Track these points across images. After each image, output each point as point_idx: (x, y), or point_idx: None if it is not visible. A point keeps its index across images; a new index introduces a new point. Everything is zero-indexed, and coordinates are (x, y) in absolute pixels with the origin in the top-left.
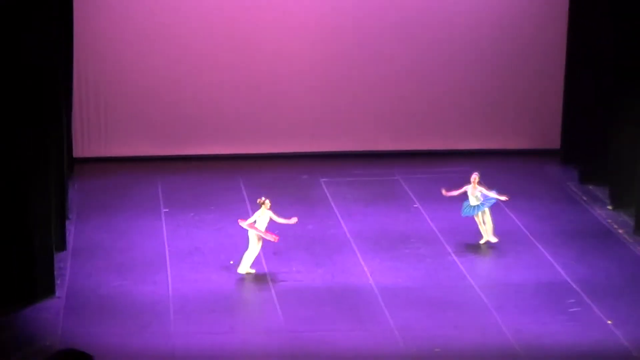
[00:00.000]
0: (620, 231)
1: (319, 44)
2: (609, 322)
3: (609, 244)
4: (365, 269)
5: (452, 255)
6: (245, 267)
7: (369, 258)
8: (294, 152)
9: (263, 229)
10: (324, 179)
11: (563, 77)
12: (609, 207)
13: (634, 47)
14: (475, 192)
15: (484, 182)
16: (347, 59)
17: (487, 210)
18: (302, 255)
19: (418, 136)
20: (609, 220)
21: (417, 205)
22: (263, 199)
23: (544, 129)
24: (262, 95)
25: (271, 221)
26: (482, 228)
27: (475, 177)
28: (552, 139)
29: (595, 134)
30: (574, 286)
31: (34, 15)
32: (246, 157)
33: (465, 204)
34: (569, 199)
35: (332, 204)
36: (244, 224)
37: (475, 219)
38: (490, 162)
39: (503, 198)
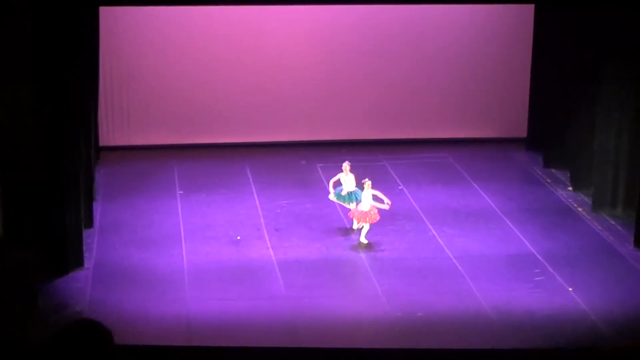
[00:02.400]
0: (579, 209)
1: (316, 49)
2: (570, 289)
3: (569, 221)
4: (356, 242)
5: (432, 230)
6: (363, 238)
7: (359, 233)
8: (293, 141)
9: (371, 203)
10: (320, 164)
11: (529, 74)
12: (570, 189)
13: (592, 48)
14: (347, 179)
15: (459, 167)
16: (341, 62)
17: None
18: (301, 230)
19: (402, 126)
20: (570, 200)
21: (401, 187)
22: (366, 179)
23: (513, 119)
24: (266, 91)
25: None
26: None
27: (346, 165)
28: (519, 129)
29: (558, 124)
30: (539, 257)
31: (67, 22)
32: (252, 145)
33: (337, 189)
34: (535, 181)
35: (327, 186)
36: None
37: (347, 206)
38: (464, 149)
39: (387, 201)
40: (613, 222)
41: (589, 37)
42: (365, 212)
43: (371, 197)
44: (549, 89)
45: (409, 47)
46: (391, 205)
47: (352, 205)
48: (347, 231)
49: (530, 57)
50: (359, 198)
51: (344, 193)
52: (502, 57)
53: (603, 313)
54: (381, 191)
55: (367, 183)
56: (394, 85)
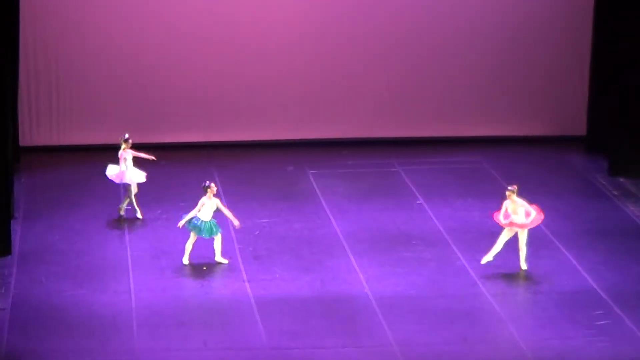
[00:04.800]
0: None
1: (306, 22)
2: None
3: None
4: (360, 275)
5: (461, 259)
6: (523, 263)
7: (365, 263)
8: (276, 140)
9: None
10: (312, 171)
11: (589, 55)
12: None
13: None
14: (209, 204)
15: (496, 174)
16: (340, 32)
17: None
18: (287, 259)
19: (421, 121)
20: None
21: (420, 201)
22: (514, 187)
23: (567, 113)
24: (239, 75)
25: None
26: (188, 246)
27: (210, 186)
28: (577, 125)
29: (626, 120)
30: (603, 295)
31: None
32: (221, 145)
33: (193, 218)
34: (597, 193)
35: (322, 199)
36: (501, 218)
37: (192, 236)
38: (504, 150)
39: (236, 223)
40: None
41: None
42: (526, 223)
43: (525, 206)
44: (615, 73)
45: (429, 20)
46: (407, 226)
47: (203, 235)
48: (348, 260)
49: (591, 34)
50: (215, 231)
51: (199, 222)
52: (554, 33)
53: None
54: (393, 206)
55: (514, 190)
56: (412, 67)
